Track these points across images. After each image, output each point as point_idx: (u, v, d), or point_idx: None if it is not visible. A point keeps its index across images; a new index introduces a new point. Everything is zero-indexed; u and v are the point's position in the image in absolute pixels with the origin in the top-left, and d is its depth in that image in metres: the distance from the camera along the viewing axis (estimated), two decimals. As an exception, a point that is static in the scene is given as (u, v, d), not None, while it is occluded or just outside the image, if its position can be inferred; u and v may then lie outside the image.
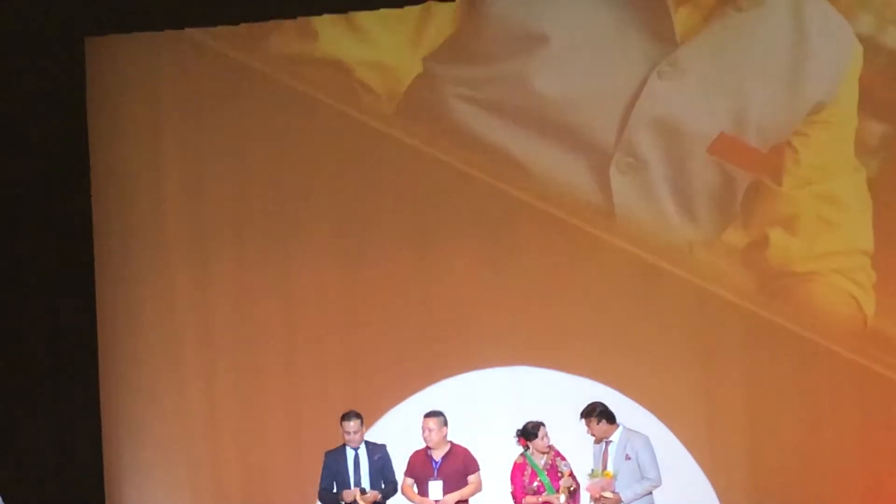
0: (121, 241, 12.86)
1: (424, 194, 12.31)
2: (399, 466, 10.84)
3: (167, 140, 12.83)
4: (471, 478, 10.67)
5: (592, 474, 10.29)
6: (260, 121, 12.61)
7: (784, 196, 11.74)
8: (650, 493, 10.34)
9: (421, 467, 10.71)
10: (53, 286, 12.61)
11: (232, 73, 12.64)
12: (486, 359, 12.13)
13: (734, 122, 11.80)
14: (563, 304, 12.02)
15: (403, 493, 10.79)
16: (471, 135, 12.23)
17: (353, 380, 12.33)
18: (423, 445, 10.75)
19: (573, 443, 10.61)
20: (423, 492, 10.67)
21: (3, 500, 10.90)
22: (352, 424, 10.71)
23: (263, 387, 12.57)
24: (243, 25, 12.51)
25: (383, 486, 10.74)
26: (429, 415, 10.73)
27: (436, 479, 10.61)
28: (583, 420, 10.36)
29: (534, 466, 10.48)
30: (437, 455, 10.69)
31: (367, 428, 11.16)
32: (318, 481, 10.84)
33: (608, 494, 10.21)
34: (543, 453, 10.49)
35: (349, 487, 10.67)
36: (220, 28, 12.56)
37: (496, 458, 10.84)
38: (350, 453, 10.75)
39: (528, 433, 10.48)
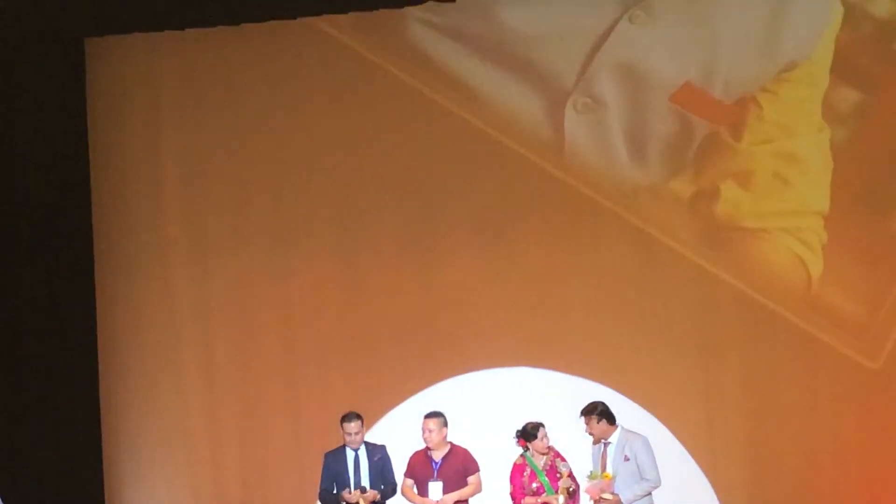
0: (121, 241, 12.87)
1: (424, 195, 12.32)
2: (399, 467, 10.84)
3: (167, 140, 12.84)
4: (471, 479, 10.67)
5: (591, 476, 10.28)
6: (259, 120, 12.62)
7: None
8: (649, 493, 10.36)
9: (421, 468, 10.71)
10: (53, 286, 12.62)
11: (232, 73, 12.64)
12: (486, 359, 12.13)
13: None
14: (563, 305, 12.02)
15: (403, 493, 10.79)
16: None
17: (353, 380, 12.33)
18: (422, 446, 10.76)
19: (573, 443, 10.62)
20: (423, 492, 10.67)
21: (3, 501, 10.90)
22: (352, 425, 10.71)
23: (263, 387, 12.57)
24: (243, 25, 12.50)
25: (383, 486, 10.74)
26: (429, 415, 10.73)
27: (436, 480, 10.62)
28: (583, 418, 10.36)
29: (533, 467, 10.48)
30: (437, 456, 10.69)
31: (367, 429, 11.16)
32: (318, 482, 10.84)
33: (608, 496, 10.21)
34: (543, 454, 10.50)
35: (349, 488, 10.66)
36: (219, 28, 12.55)
37: (496, 458, 10.84)
38: (350, 454, 10.75)
39: (528, 434, 10.49)
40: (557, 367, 12.00)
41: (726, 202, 11.72)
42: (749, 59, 11.63)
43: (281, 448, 12.46)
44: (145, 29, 12.62)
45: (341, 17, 12.37)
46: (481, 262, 12.17)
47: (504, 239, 12.13)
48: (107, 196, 12.89)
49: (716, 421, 11.76)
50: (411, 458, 10.81)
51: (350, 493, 10.62)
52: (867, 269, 11.55)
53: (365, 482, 10.66)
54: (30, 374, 12.53)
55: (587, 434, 10.37)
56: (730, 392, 11.76)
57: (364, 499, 10.58)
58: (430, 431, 10.66)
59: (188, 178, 12.78)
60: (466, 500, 10.71)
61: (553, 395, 11.79)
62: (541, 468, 10.48)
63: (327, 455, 10.84)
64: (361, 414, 10.84)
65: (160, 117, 12.83)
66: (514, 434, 10.55)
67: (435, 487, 10.61)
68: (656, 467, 10.35)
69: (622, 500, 10.22)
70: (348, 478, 10.69)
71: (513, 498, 10.54)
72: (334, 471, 10.75)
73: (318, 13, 12.35)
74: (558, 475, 10.42)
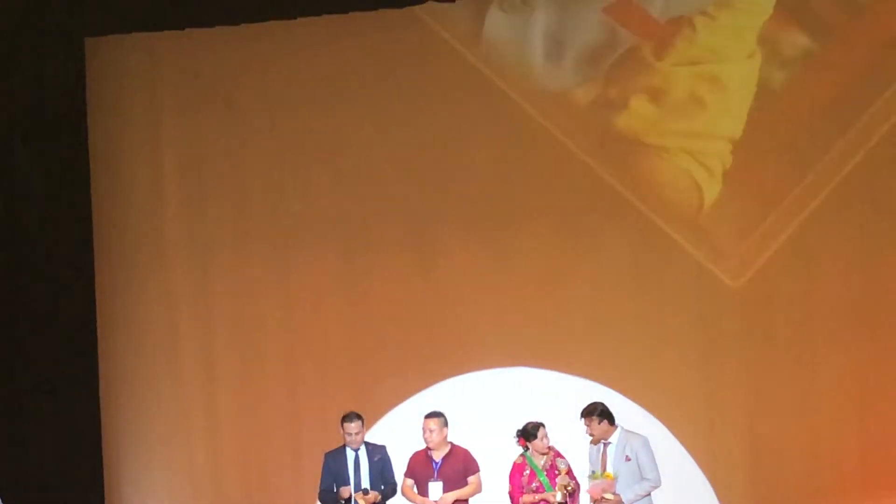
0: (121, 240, 12.87)
1: (424, 195, 12.32)
2: (399, 467, 10.84)
3: (167, 139, 12.84)
4: (471, 479, 10.67)
5: (593, 476, 10.29)
6: (259, 120, 12.62)
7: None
8: (649, 493, 10.36)
9: (421, 468, 10.71)
10: (53, 286, 12.61)
11: (231, 72, 12.64)
12: (487, 360, 12.14)
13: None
14: (563, 306, 12.03)
15: (403, 493, 10.79)
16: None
17: (353, 380, 12.34)
18: (423, 446, 10.75)
19: (572, 443, 10.62)
20: (424, 492, 10.67)
21: (3, 501, 10.90)
22: (353, 426, 10.70)
23: (263, 387, 12.58)
24: (243, 25, 12.51)
25: (383, 487, 10.73)
26: (430, 415, 10.73)
27: (436, 480, 10.62)
28: (583, 419, 10.36)
29: (533, 467, 10.49)
30: (438, 456, 10.69)
31: (368, 429, 11.15)
32: (318, 482, 10.83)
33: (609, 496, 10.22)
34: (543, 454, 10.50)
35: (351, 489, 10.65)
36: (219, 28, 12.56)
37: (496, 459, 10.85)
38: (350, 454, 10.74)
39: (528, 434, 10.49)
40: (557, 367, 12.00)
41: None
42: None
43: (281, 448, 12.46)
44: (145, 28, 12.62)
45: (341, 18, 12.37)
46: (481, 262, 12.18)
47: (504, 239, 12.13)
48: (107, 195, 12.88)
49: (716, 421, 11.76)
50: (411, 458, 10.81)
51: (346, 488, 10.64)
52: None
53: (365, 482, 10.66)
54: (30, 373, 12.52)
55: (588, 435, 10.37)
56: (730, 392, 11.76)
57: (365, 500, 10.58)
58: (431, 431, 10.65)
59: (188, 177, 12.78)
60: (466, 500, 10.70)
61: (553, 396, 11.79)
62: (541, 468, 10.48)
63: (327, 455, 10.84)
64: (362, 414, 10.83)
65: (160, 116, 12.83)
66: (514, 433, 10.56)
67: (435, 487, 10.60)
68: (657, 467, 10.36)
69: (623, 500, 10.24)
70: (348, 478, 10.68)
71: (511, 497, 10.54)
72: (334, 471, 10.74)
73: (317, 13, 12.35)
74: (557, 473, 10.43)
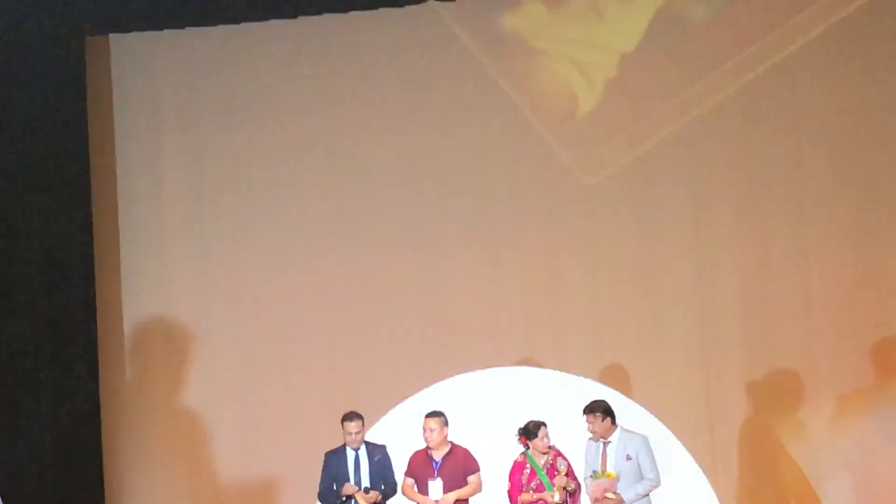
0: (121, 241, 12.87)
1: (424, 193, 12.33)
2: (399, 467, 10.85)
3: (168, 139, 12.85)
4: (471, 478, 10.69)
5: (595, 476, 10.31)
6: (259, 118, 12.63)
7: None
8: (649, 493, 10.40)
9: (421, 467, 10.73)
10: (54, 286, 12.61)
11: (231, 71, 12.66)
12: (487, 359, 12.14)
13: None
14: (564, 305, 12.04)
15: (404, 492, 10.81)
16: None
17: (353, 380, 12.32)
18: (423, 445, 10.77)
19: (573, 443, 10.65)
20: (424, 492, 10.69)
21: (4, 501, 10.91)
22: (353, 425, 10.72)
23: (264, 387, 12.56)
24: (243, 25, 12.53)
25: (383, 486, 10.74)
26: (430, 415, 10.76)
27: (436, 479, 10.64)
28: (586, 416, 10.41)
29: (534, 465, 10.50)
30: (438, 455, 10.71)
31: (368, 428, 11.16)
32: (318, 482, 10.84)
33: (610, 495, 10.25)
34: (544, 453, 10.52)
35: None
36: (219, 27, 12.58)
37: (496, 458, 10.86)
38: (350, 454, 10.76)
39: (529, 432, 10.52)
40: (558, 366, 12.01)
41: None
42: None
43: (281, 447, 12.43)
44: (145, 28, 12.65)
45: (341, 17, 12.39)
46: (481, 261, 12.18)
47: (505, 238, 12.15)
48: (106, 194, 12.87)
49: (716, 421, 11.77)
50: (412, 458, 10.83)
51: (349, 485, 10.65)
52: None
53: (365, 482, 10.68)
54: (29, 373, 12.50)
55: (590, 432, 10.40)
56: (730, 392, 11.75)
57: (366, 499, 10.59)
58: (431, 431, 10.68)
59: (188, 177, 12.78)
60: (467, 500, 10.72)
61: (553, 395, 11.79)
62: (541, 467, 10.50)
63: (328, 455, 10.85)
64: (362, 413, 10.86)
65: (160, 115, 12.83)
66: (515, 432, 10.59)
67: (435, 486, 10.62)
68: (656, 467, 10.41)
69: (625, 499, 10.26)
70: (349, 477, 10.70)
71: (509, 495, 10.57)
72: (334, 470, 10.76)
73: (318, 13, 12.38)
74: (556, 473, 10.44)
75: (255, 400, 12.58)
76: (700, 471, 11.76)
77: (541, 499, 10.44)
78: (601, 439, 10.39)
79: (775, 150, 11.75)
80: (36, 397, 12.50)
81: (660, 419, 11.76)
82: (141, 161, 12.85)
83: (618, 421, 10.50)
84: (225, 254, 12.71)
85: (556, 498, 10.39)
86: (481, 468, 10.75)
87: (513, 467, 10.60)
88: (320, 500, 10.90)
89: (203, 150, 12.76)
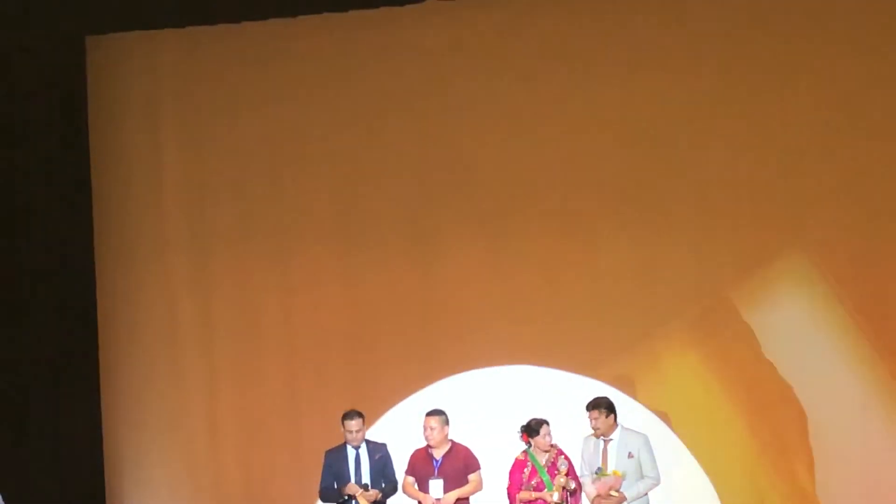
0: (121, 237, 12.89)
1: (424, 191, 12.34)
2: (400, 465, 10.87)
3: (168, 138, 12.87)
4: (471, 476, 10.71)
5: (601, 473, 10.33)
6: (259, 117, 12.63)
7: None
8: (648, 492, 10.44)
9: (422, 466, 10.75)
10: (54, 286, 12.63)
11: (231, 70, 12.67)
12: (488, 358, 12.15)
13: None
14: (564, 303, 12.03)
15: (404, 490, 10.83)
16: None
17: (353, 378, 12.35)
18: (423, 444, 10.79)
19: (574, 441, 10.66)
20: (424, 490, 10.70)
21: (3, 499, 10.91)
22: (353, 423, 10.74)
23: (264, 385, 12.59)
24: (244, 23, 12.54)
25: (384, 484, 10.76)
26: (431, 413, 10.77)
27: (436, 478, 10.65)
28: (589, 412, 10.44)
29: (535, 463, 10.51)
30: (438, 454, 10.73)
31: (368, 426, 11.19)
32: (319, 480, 10.85)
33: (614, 493, 10.28)
34: (545, 451, 10.53)
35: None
36: (220, 26, 12.59)
37: (497, 457, 10.88)
38: (351, 452, 10.77)
39: (532, 429, 10.53)
40: (558, 365, 12.01)
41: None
42: None
43: (282, 446, 12.47)
44: (146, 26, 12.65)
45: (341, 16, 12.40)
46: (482, 259, 12.18)
47: (505, 236, 12.14)
48: (107, 192, 12.90)
49: (717, 420, 11.76)
50: (412, 456, 10.85)
51: (351, 485, 10.66)
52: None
53: (366, 480, 10.69)
54: (31, 375, 12.53)
55: (593, 428, 10.43)
56: (731, 391, 11.75)
57: (366, 497, 10.59)
58: (432, 429, 10.70)
59: (188, 174, 12.80)
60: (467, 498, 10.73)
61: (554, 394, 11.81)
62: (543, 465, 10.51)
63: (328, 453, 10.87)
64: (362, 412, 10.87)
65: (160, 114, 12.85)
66: (518, 429, 10.61)
67: (436, 485, 10.63)
68: (657, 465, 10.44)
69: (627, 497, 10.30)
70: (349, 475, 10.71)
71: (508, 493, 10.60)
72: (335, 468, 10.77)
73: (319, 11, 12.39)
74: (557, 472, 10.45)
75: (255, 397, 12.60)
76: (701, 470, 11.74)
77: (540, 497, 10.46)
78: (602, 436, 10.41)
79: (775, 150, 11.77)
80: (37, 399, 12.53)
81: (661, 418, 11.76)
82: (141, 157, 12.87)
83: (618, 419, 10.54)
84: (225, 251, 12.72)
85: (555, 497, 10.40)
86: (482, 466, 10.76)
87: (514, 465, 10.61)
88: (321, 499, 10.92)
89: (203, 147, 12.77)
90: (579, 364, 11.97)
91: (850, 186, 11.58)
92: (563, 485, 10.41)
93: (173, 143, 12.86)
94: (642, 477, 10.37)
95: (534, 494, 10.46)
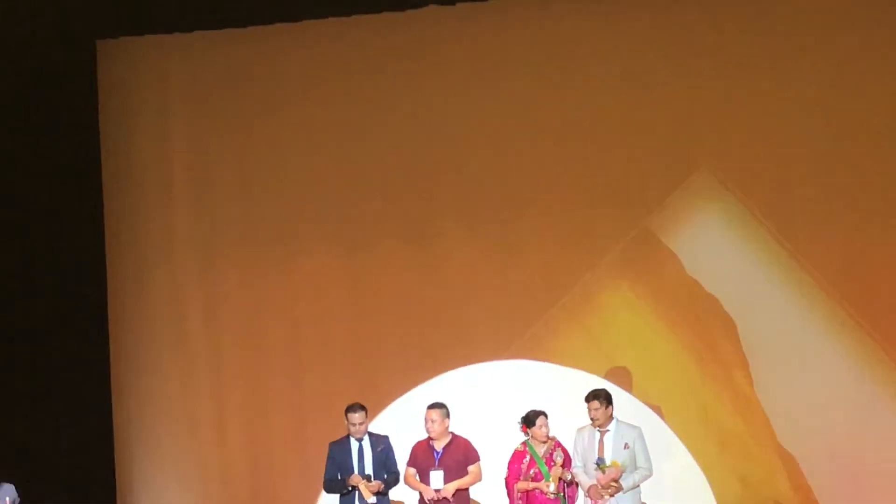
0: (131, 238, 12.94)
1: (427, 191, 12.39)
2: (401, 457, 10.94)
3: (177, 141, 12.92)
4: (471, 468, 10.78)
5: (602, 465, 10.36)
6: (266, 120, 12.68)
7: None
8: (641, 482, 10.53)
9: (423, 457, 10.83)
10: (64, 288, 12.66)
11: (239, 73, 12.72)
12: (488, 352, 12.18)
13: None
14: (564, 298, 12.07)
15: (406, 481, 10.89)
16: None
17: (357, 372, 12.38)
18: (425, 436, 10.87)
19: (571, 435, 10.71)
20: (425, 481, 10.78)
21: (18, 494, 10.94)
22: (356, 416, 10.77)
23: (269, 379, 12.63)
24: (250, 28, 12.60)
25: (386, 476, 10.81)
26: (432, 406, 10.84)
27: (437, 469, 10.73)
28: (589, 403, 10.46)
29: (533, 454, 10.61)
30: (439, 445, 10.81)
31: (371, 419, 11.22)
32: (323, 471, 10.91)
33: (614, 483, 10.34)
34: (543, 442, 10.61)
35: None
36: (227, 30, 12.63)
37: (497, 449, 10.96)
38: (354, 444, 10.82)
39: (529, 420, 10.62)
40: (557, 359, 12.06)
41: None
42: None
43: (286, 438, 12.51)
44: (155, 31, 12.69)
45: (345, 20, 12.46)
46: (483, 255, 12.21)
47: (506, 232, 12.17)
48: (117, 194, 12.96)
49: (710, 413, 11.79)
50: (414, 448, 10.92)
51: (354, 476, 10.72)
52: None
53: (369, 471, 10.74)
54: (41, 369, 12.58)
55: (591, 419, 10.45)
56: (725, 385, 11.78)
57: (369, 488, 10.66)
58: (433, 422, 10.76)
59: (196, 177, 12.85)
60: (467, 489, 10.81)
61: (552, 388, 11.84)
62: (541, 456, 10.60)
63: (332, 445, 10.91)
64: (365, 405, 10.91)
65: (170, 117, 12.89)
66: (518, 420, 10.69)
67: (436, 476, 10.72)
68: (650, 457, 10.50)
69: (623, 487, 10.39)
70: (352, 467, 10.76)
71: (506, 482, 10.66)
72: (339, 460, 10.82)
73: (324, 16, 12.43)
74: (553, 464, 10.54)
75: (261, 392, 12.63)
76: (695, 464, 11.77)
77: (537, 487, 10.54)
78: (599, 427, 10.47)
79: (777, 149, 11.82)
80: (48, 400, 12.54)
81: (655, 411, 11.81)
82: (151, 160, 12.91)
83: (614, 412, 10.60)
84: (232, 250, 12.76)
85: (552, 487, 10.46)
86: (481, 458, 10.83)
87: (513, 455, 10.69)
88: (325, 490, 10.99)
89: (211, 150, 12.81)
90: (577, 359, 11.97)
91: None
92: (559, 475, 10.49)
93: (182, 146, 12.89)
94: (636, 468, 10.43)
95: (531, 485, 10.53)
